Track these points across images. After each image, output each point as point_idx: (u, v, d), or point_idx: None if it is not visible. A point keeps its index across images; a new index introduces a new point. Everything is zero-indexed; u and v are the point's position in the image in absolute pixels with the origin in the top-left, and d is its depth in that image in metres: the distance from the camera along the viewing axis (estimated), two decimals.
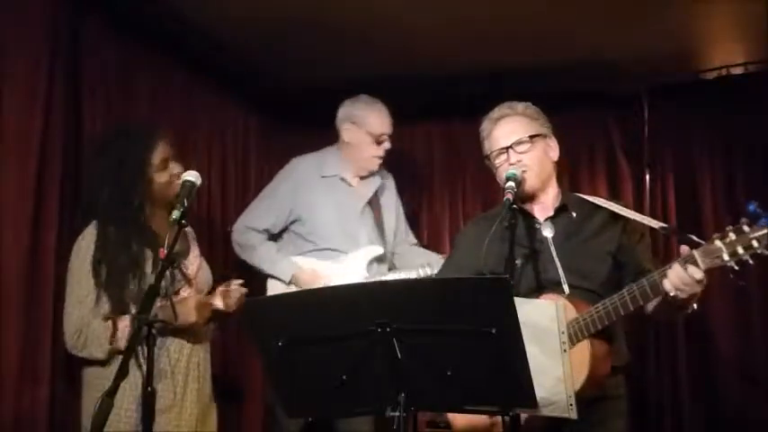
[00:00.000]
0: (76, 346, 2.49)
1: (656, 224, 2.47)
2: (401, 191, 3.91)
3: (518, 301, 1.79)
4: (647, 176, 4.19)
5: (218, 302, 2.67)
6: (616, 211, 2.51)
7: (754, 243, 2.09)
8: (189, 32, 3.56)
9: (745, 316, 3.94)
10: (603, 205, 2.54)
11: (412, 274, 3.45)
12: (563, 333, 2.04)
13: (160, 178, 2.61)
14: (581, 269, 2.44)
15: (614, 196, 4.26)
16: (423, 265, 3.48)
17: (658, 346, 4.06)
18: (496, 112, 2.61)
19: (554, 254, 2.46)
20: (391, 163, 3.91)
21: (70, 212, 2.96)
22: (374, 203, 3.64)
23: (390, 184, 3.78)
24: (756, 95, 3.90)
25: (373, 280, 3.41)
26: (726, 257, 2.12)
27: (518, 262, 2.41)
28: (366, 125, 3.54)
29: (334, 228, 3.49)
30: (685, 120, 4.19)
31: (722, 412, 3.92)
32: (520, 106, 2.61)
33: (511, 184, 2.34)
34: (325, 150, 3.68)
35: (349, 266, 3.45)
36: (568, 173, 4.30)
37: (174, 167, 2.64)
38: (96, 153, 2.71)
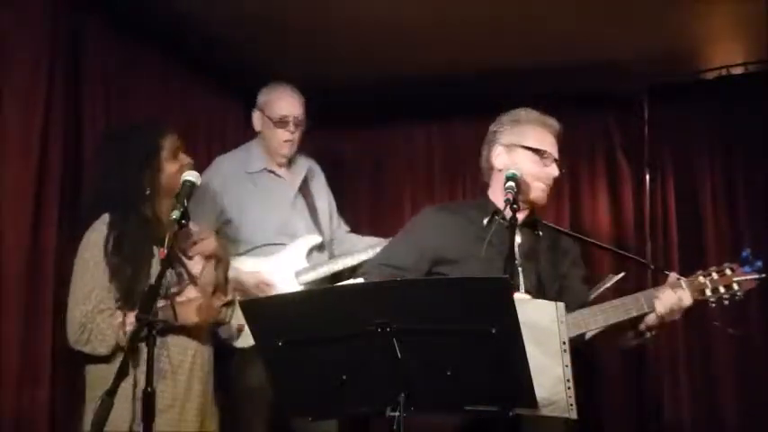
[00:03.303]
0: (79, 341, 2.47)
1: (632, 256, 2.55)
2: (401, 191, 3.90)
3: (518, 300, 1.79)
4: (647, 176, 4.19)
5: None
6: (575, 236, 2.66)
7: (735, 286, 2.31)
8: (189, 32, 3.56)
9: (744, 320, 3.93)
10: (564, 232, 2.66)
11: (362, 256, 3.32)
12: (563, 333, 2.04)
13: (171, 167, 2.60)
14: (537, 283, 2.47)
15: (614, 196, 4.29)
16: (371, 245, 3.35)
17: (657, 348, 4.06)
18: (554, 122, 2.60)
19: (518, 259, 2.46)
20: (392, 163, 3.93)
21: (70, 212, 2.97)
22: (305, 191, 3.50)
23: (317, 169, 3.63)
24: (756, 95, 3.90)
25: (312, 269, 3.32)
26: (708, 293, 2.31)
27: (517, 262, 2.40)
28: (267, 109, 3.42)
29: (269, 222, 3.34)
30: (685, 120, 4.19)
31: (722, 415, 3.93)
32: (560, 127, 2.62)
33: (511, 184, 2.34)
34: (249, 144, 3.55)
35: (287, 259, 3.33)
36: (568, 173, 4.32)
37: (184, 158, 2.65)
38: (106, 146, 2.72)
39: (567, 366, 2.02)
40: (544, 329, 2.02)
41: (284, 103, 3.40)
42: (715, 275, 2.32)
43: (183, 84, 3.80)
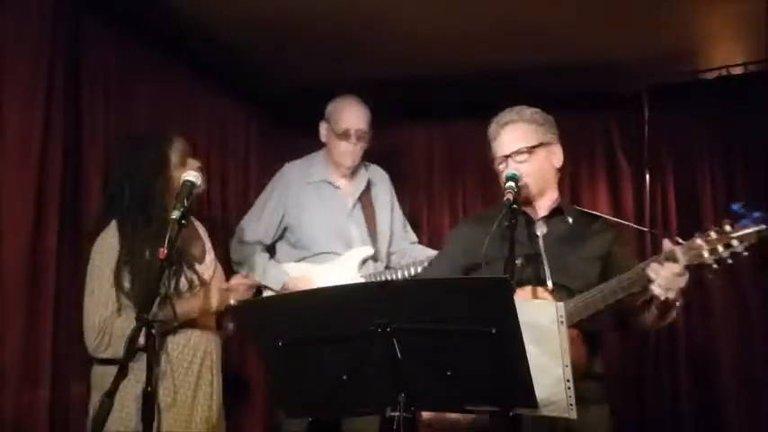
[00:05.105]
0: (100, 347, 2.47)
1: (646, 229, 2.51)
2: (402, 191, 3.90)
3: (518, 300, 1.79)
4: (647, 176, 4.19)
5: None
6: (611, 220, 2.60)
7: (734, 242, 2.16)
8: (189, 32, 3.56)
9: (744, 319, 3.93)
10: (599, 215, 2.63)
11: (413, 270, 3.41)
12: (563, 333, 2.04)
13: (180, 173, 2.61)
14: (569, 269, 2.46)
15: (614, 196, 4.28)
16: (412, 263, 3.45)
17: (658, 350, 4.05)
18: (504, 117, 2.61)
19: (542, 251, 2.48)
20: (392, 163, 3.92)
21: (70, 213, 2.97)
22: (365, 201, 3.62)
23: (382, 181, 3.74)
24: (756, 95, 3.90)
25: (365, 280, 3.40)
26: (706, 255, 2.19)
27: (518, 261, 2.41)
28: (332, 121, 3.54)
29: (324, 231, 3.49)
30: (685, 120, 4.19)
31: (722, 417, 3.92)
32: (527, 112, 2.61)
33: (511, 184, 2.36)
34: (313, 155, 3.68)
35: (340, 268, 3.43)
36: (569, 175, 4.31)
37: (193, 163, 2.67)
38: (116, 153, 2.75)
39: (566, 366, 2.02)
40: (544, 329, 2.01)
41: (348, 117, 3.52)
42: (713, 235, 2.19)
43: (183, 84, 3.79)
